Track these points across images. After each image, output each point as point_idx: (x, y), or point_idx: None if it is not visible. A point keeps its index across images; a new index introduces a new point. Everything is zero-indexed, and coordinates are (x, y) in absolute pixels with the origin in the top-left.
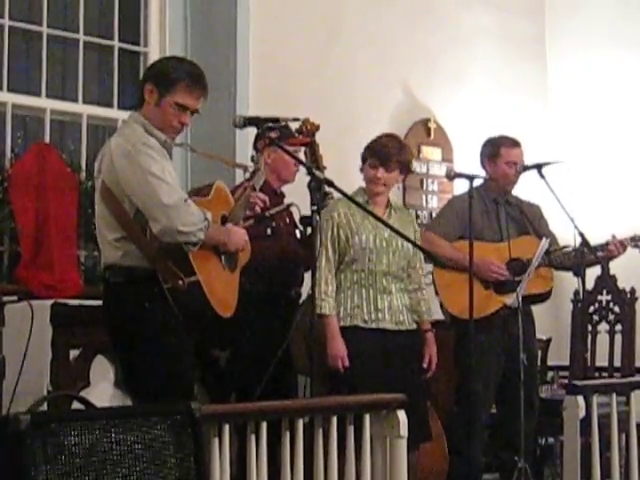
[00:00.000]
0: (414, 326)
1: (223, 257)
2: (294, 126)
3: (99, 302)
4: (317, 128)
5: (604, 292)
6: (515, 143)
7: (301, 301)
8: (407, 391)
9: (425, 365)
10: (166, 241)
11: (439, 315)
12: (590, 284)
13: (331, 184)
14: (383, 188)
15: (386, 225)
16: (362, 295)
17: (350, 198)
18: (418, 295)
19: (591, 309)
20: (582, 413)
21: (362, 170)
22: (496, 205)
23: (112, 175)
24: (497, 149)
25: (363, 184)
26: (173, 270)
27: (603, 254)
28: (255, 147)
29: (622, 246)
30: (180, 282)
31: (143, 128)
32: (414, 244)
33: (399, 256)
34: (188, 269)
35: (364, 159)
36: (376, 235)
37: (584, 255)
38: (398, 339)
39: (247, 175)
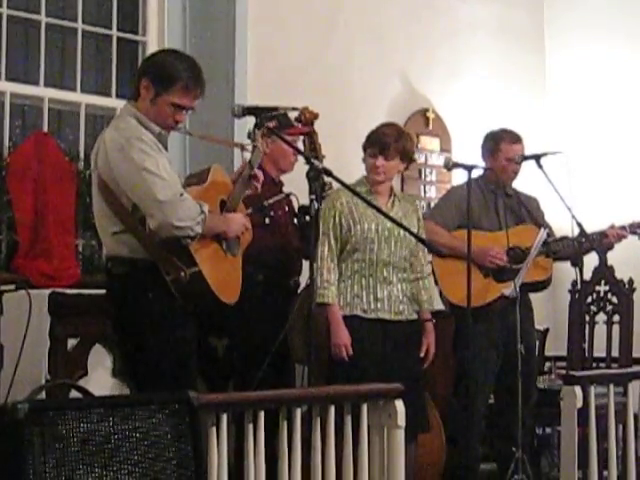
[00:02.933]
0: (415, 316)
1: (224, 243)
2: (293, 115)
3: (97, 291)
4: (316, 117)
5: (602, 282)
6: (516, 139)
7: (299, 290)
8: (405, 381)
9: (422, 355)
10: (163, 236)
11: (440, 305)
12: (588, 274)
13: (330, 173)
14: (383, 177)
15: (385, 216)
16: (362, 285)
17: (349, 188)
18: (419, 284)
19: (589, 300)
20: (579, 403)
21: (364, 160)
22: (494, 195)
23: (108, 170)
24: (497, 144)
25: (362, 172)
26: (174, 262)
27: (601, 242)
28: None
29: (621, 233)
30: (182, 274)
31: (137, 121)
32: (413, 234)
33: (401, 246)
34: (189, 260)
35: (364, 148)
36: (378, 224)
37: (582, 245)
38: (398, 329)
39: (245, 155)
